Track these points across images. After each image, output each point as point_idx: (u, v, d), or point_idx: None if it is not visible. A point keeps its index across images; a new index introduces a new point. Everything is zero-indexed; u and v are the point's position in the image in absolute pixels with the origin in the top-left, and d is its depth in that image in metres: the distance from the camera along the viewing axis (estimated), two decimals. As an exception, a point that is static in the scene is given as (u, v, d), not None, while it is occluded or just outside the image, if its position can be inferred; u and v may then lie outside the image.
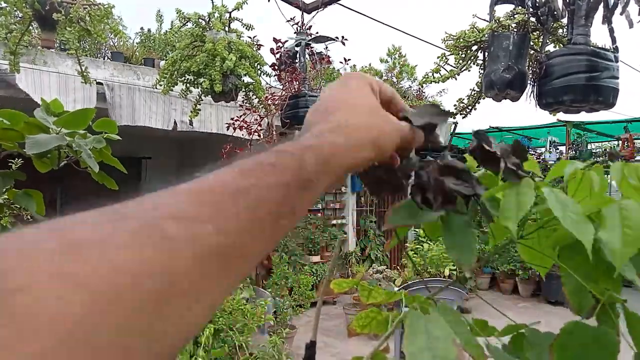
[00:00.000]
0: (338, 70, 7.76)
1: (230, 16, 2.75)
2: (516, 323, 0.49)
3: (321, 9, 3.32)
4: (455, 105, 2.41)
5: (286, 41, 3.28)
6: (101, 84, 4.57)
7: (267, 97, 3.03)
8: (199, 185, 0.29)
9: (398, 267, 6.43)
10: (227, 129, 3.18)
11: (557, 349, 0.41)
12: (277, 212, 0.31)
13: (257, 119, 3.17)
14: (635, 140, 7.37)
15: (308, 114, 0.43)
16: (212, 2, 2.77)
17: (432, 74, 2.28)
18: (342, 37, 3.33)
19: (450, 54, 2.25)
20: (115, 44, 5.92)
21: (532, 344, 0.45)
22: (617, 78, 1.80)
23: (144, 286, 0.21)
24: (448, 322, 0.39)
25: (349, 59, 3.80)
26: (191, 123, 4.55)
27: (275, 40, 3.27)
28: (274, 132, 3.36)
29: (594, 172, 0.47)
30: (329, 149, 0.37)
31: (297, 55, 3.19)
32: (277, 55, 3.27)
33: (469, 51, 2.20)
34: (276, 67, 3.27)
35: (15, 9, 2.32)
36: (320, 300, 0.50)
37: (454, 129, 8.35)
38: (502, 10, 2.11)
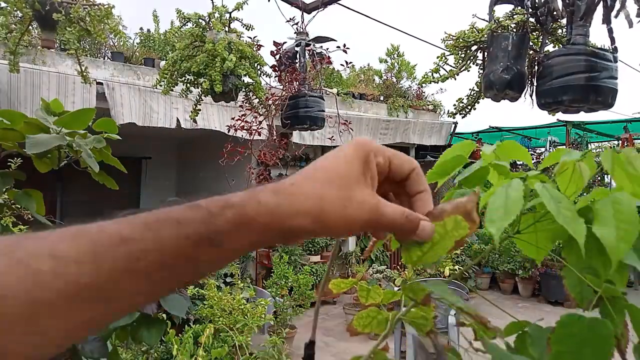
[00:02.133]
0: (338, 70, 7.77)
1: (230, 16, 2.75)
2: (519, 321, 0.49)
3: (321, 9, 3.32)
4: (454, 105, 2.42)
5: (285, 42, 3.29)
6: (101, 83, 4.58)
7: (267, 97, 3.03)
8: (90, 230, 0.31)
9: (398, 267, 6.43)
10: (228, 131, 3.18)
11: (555, 342, 0.41)
12: (167, 264, 0.32)
13: (257, 118, 3.17)
14: (635, 140, 7.37)
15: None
16: (212, 2, 2.77)
17: (432, 74, 2.29)
18: (344, 45, 3.34)
19: (450, 54, 2.25)
20: (115, 44, 5.92)
21: (534, 340, 0.45)
22: (616, 78, 1.80)
23: (6, 307, 0.26)
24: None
25: (349, 62, 3.80)
26: (195, 121, 4.57)
27: (276, 44, 3.27)
28: (274, 132, 3.36)
29: (584, 163, 0.46)
30: (252, 209, 0.35)
31: (297, 56, 3.19)
32: (277, 57, 3.27)
33: (468, 51, 2.20)
34: (276, 69, 3.27)
35: (15, 9, 2.32)
36: (319, 300, 0.50)
37: (454, 129, 8.35)
38: (501, 10, 2.12)
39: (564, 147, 7.94)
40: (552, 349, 0.41)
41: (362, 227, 0.39)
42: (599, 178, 6.89)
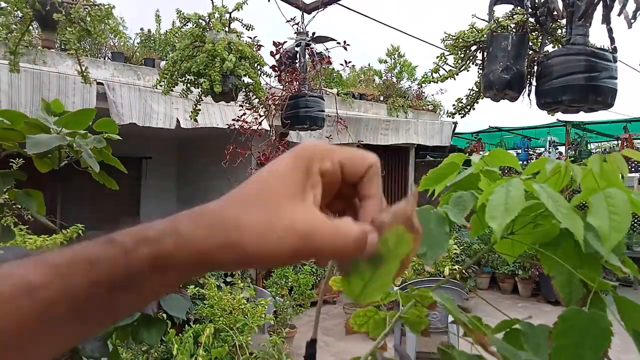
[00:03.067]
0: (338, 70, 7.77)
1: (230, 16, 2.75)
2: (510, 318, 0.50)
3: (321, 9, 3.32)
4: (454, 105, 2.42)
5: (285, 42, 3.29)
6: (102, 84, 4.58)
7: (267, 97, 3.03)
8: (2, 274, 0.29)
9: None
10: (228, 131, 3.19)
11: (557, 336, 0.43)
12: (79, 313, 0.30)
13: (257, 118, 3.17)
14: (635, 140, 7.37)
15: None
16: (212, 3, 2.77)
17: (431, 74, 2.29)
18: (344, 42, 3.34)
19: (450, 54, 2.25)
20: (116, 44, 5.92)
21: (528, 338, 0.46)
22: (616, 78, 1.80)
23: None
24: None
25: (349, 62, 3.80)
26: (195, 120, 4.57)
27: (275, 44, 3.27)
28: (274, 132, 3.36)
29: (575, 166, 0.50)
30: (170, 243, 0.31)
31: (297, 56, 3.19)
32: (277, 57, 3.27)
33: (468, 51, 2.20)
34: (276, 69, 3.27)
35: (15, 9, 2.32)
36: (321, 298, 0.51)
37: (454, 129, 8.35)
38: (501, 10, 2.12)
39: (564, 147, 7.95)
40: (553, 342, 0.43)
41: (293, 258, 0.32)
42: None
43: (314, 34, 3.24)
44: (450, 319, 4.00)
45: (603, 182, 0.48)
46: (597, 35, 2.01)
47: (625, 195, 0.43)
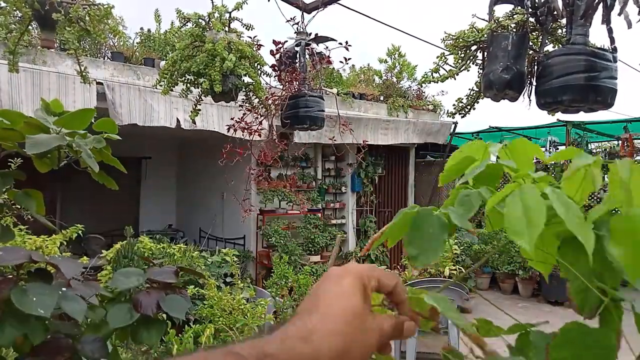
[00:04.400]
0: (338, 70, 7.76)
1: (230, 16, 2.75)
2: (521, 323, 0.49)
3: (321, 9, 3.32)
4: (454, 105, 2.42)
5: (286, 41, 3.28)
6: (101, 84, 4.57)
7: (267, 97, 3.03)
8: None
9: (398, 267, 6.43)
10: (228, 131, 3.18)
11: (555, 348, 0.41)
12: None
13: (257, 119, 3.17)
14: (635, 140, 7.37)
15: (303, 301, 0.46)
16: (212, 2, 2.77)
17: (432, 74, 2.29)
18: (346, 42, 3.34)
19: (450, 54, 2.25)
20: (115, 44, 5.92)
21: (534, 344, 0.45)
22: (616, 78, 1.80)
23: None
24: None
25: (349, 59, 3.80)
26: (194, 122, 4.56)
27: (275, 43, 3.27)
28: (274, 133, 3.36)
29: (596, 169, 0.44)
30: (287, 358, 0.38)
31: (297, 56, 3.19)
32: (277, 56, 3.27)
33: (468, 51, 2.20)
34: (276, 68, 3.27)
35: (14, 8, 2.32)
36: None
37: (454, 129, 8.35)
38: (501, 10, 2.12)
39: (564, 147, 7.95)
40: (551, 354, 0.41)
41: (377, 348, 0.46)
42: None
43: (316, 34, 3.24)
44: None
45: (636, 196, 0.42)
46: (597, 35, 2.01)
47: None
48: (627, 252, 0.38)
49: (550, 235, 0.46)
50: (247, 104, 2.98)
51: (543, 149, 8.95)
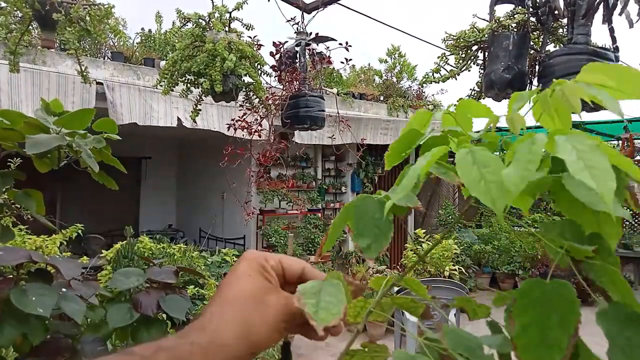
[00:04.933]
0: (338, 70, 7.76)
1: (230, 16, 2.75)
2: (505, 291, 0.47)
3: (321, 9, 3.32)
4: (454, 105, 2.41)
5: (286, 42, 3.28)
6: (101, 84, 4.57)
7: (267, 97, 3.03)
8: None
9: (398, 267, 6.43)
10: (228, 130, 3.18)
11: (518, 314, 0.37)
12: None
13: (257, 119, 3.17)
14: (635, 140, 7.37)
15: None
16: (212, 2, 2.77)
17: (432, 74, 2.28)
18: (347, 42, 3.33)
19: (451, 54, 2.25)
20: (115, 44, 5.92)
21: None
22: (617, 78, 1.79)
23: None
24: None
25: (349, 59, 3.80)
26: (194, 121, 4.57)
27: (275, 44, 3.27)
28: (274, 132, 3.36)
29: (518, 115, 0.43)
30: (185, 350, 0.37)
31: (297, 56, 3.19)
32: (277, 57, 3.27)
33: (469, 51, 2.20)
34: (276, 68, 3.27)
35: (15, 8, 2.32)
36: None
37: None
38: (502, 10, 2.12)
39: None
40: (516, 322, 0.36)
41: (287, 328, 0.43)
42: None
43: (317, 34, 3.24)
44: (451, 318, 3.99)
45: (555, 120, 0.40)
46: (597, 35, 2.01)
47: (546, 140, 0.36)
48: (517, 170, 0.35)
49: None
50: (247, 104, 2.98)
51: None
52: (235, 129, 3.07)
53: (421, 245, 6.23)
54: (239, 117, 3.11)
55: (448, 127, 0.48)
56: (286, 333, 0.43)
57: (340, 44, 3.30)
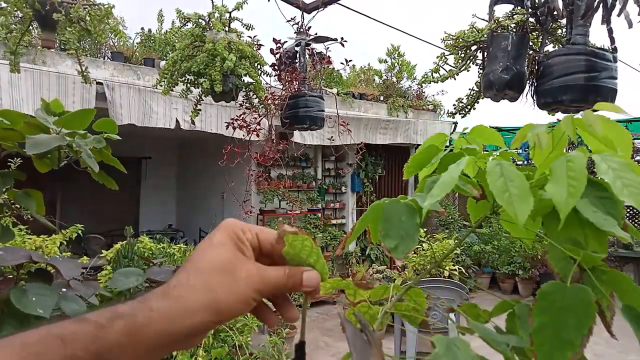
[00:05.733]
0: (338, 70, 7.75)
1: (230, 16, 2.75)
2: (506, 300, 0.49)
3: (321, 9, 3.32)
4: (454, 105, 2.42)
5: (286, 42, 3.28)
6: (101, 83, 4.57)
7: (267, 97, 3.03)
8: None
9: (398, 267, 6.43)
10: (227, 128, 3.18)
11: (537, 313, 0.40)
12: None
13: (256, 118, 3.17)
14: (635, 140, 7.37)
15: None
16: (212, 2, 2.77)
17: (432, 74, 2.29)
18: (342, 38, 3.33)
19: (450, 54, 2.25)
20: (115, 44, 5.92)
21: (522, 320, 0.44)
22: (616, 78, 1.80)
23: None
24: None
25: (350, 60, 3.80)
26: (193, 122, 4.56)
27: (275, 41, 3.27)
28: (274, 132, 3.36)
29: (544, 133, 0.46)
30: (144, 317, 0.35)
31: (297, 55, 3.19)
32: (277, 56, 3.27)
33: (468, 51, 2.20)
34: (276, 67, 3.27)
35: (15, 9, 2.32)
36: (305, 301, 0.50)
37: (454, 129, 8.35)
38: (501, 10, 2.12)
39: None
40: (535, 321, 0.40)
41: (256, 299, 0.41)
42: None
43: (315, 33, 3.24)
44: (451, 319, 3.99)
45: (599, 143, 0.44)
46: (597, 35, 2.01)
47: (585, 157, 0.40)
48: (560, 190, 0.39)
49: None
50: (247, 104, 2.98)
51: (543, 149, 9.00)
52: (234, 128, 3.07)
53: (421, 245, 6.24)
54: (238, 116, 3.11)
55: (465, 146, 0.53)
56: (253, 306, 0.42)
57: (335, 39, 3.30)
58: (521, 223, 0.39)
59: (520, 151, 8.71)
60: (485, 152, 0.52)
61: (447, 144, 0.60)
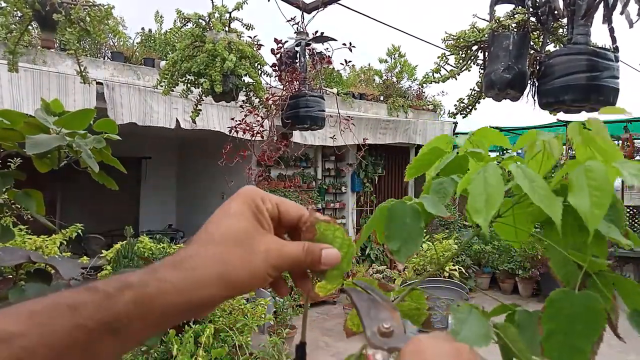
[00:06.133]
0: (338, 70, 7.74)
1: (230, 16, 2.75)
2: (506, 304, 0.48)
3: (321, 9, 3.31)
4: (455, 105, 2.41)
5: (286, 41, 3.28)
6: (101, 84, 4.57)
7: (267, 97, 3.03)
8: None
9: (398, 268, 6.43)
10: (230, 133, 3.18)
11: (546, 320, 0.40)
12: (62, 356, 0.29)
13: (258, 120, 3.17)
14: (635, 140, 7.36)
15: None
16: (212, 2, 2.77)
17: (433, 74, 2.28)
18: (350, 43, 3.33)
19: (451, 54, 2.25)
20: (115, 44, 5.92)
21: (523, 327, 0.44)
22: (618, 78, 1.80)
23: None
24: None
25: (349, 61, 3.80)
26: (194, 121, 4.56)
27: (276, 41, 3.27)
28: (275, 132, 3.36)
29: (554, 140, 0.45)
30: (154, 287, 0.33)
31: (298, 56, 3.18)
32: (278, 56, 3.27)
33: (469, 51, 2.20)
34: (277, 68, 3.26)
35: (15, 9, 2.32)
36: (307, 304, 0.50)
37: (454, 128, 8.35)
38: (502, 10, 2.11)
39: (564, 147, 7.95)
40: (544, 328, 0.40)
41: (272, 275, 0.39)
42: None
43: (316, 32, 3.24)
44: (451, 319, 3.99)
45: (593, 153, 0.44)
46: (597, 35, 2.00)
47: (604, 167, 0.40)
48: (584, 200, 0.38)
49: (526, 213, 0.47)
50: (247, 104, 2.98)
51: (543, 149, 8.97)
52: (237, 132, 3.07)
53: (422, 246, 6.24)
54: (240, 119, 3.11)
55: (470, 149, 0.53)
56: (269, 281, 0.40)
57: (344, 44, 3.30)
58: (558, 220, 0.38)
59: (520, 152, 8.71)
60: (491, 156, 0.51)
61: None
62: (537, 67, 1.96)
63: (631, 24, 1.80)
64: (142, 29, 6.78)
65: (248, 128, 3.08)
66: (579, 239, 0.42)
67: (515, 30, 1.99)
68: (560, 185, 0.43)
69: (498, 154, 0.59)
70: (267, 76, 2.97)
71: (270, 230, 0.41)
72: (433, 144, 0.56)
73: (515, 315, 0.45)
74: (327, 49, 3.36)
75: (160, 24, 6.80)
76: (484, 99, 2.27)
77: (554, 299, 0.40)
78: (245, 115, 3.09)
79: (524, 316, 0.45)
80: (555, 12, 1.89)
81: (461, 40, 2.17)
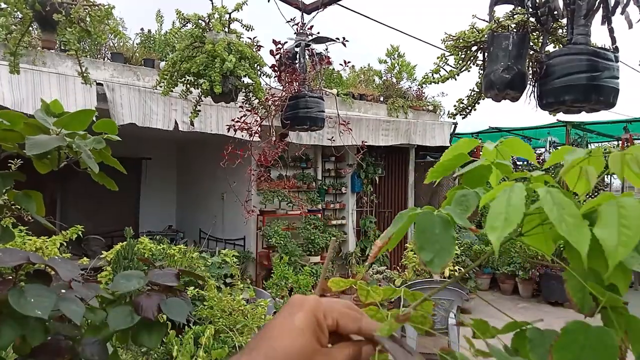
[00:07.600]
0: (338, 71, 7.75)
1: (230, 17, 2.75)
2: (516, 321, 0.48)
3: (321, 9, 3.32)
4: (455, 105, 2.41)
5: (285, 42, 3.28)
6: (101, 84, 4.57)
7: (267, 98, 3.03)
8: None
9: (398, 268, 6.43)
10: (228, 131, 3.18)
11: (558, 349, 0.40)
12: None
13: (257, 120, 3.17)
14: (635, 141, 7.36)
15: (254, 336, 0.44)
16: (212, 3, 2.77)
17: (432, 75, 2.28)
18: (343, 38, 3.33)
19: (450, 55, 2.25)
20: (115, 45, 5.92)
21: (534, 344, 0.44)
22: (618, 78, 1.80)
23: None
24: None
25: (349, 61, 3.80)
26: (192, 124, 4.55)
27: (275, 42, 3.27)
28: (274, 133, 3.36)
29: (591, 164, 0.45)
30: None
31: (297, 56, 3.19)
32: (277, 57, 3.27)
33: (468, 51, 2.20)
34: (276, 69, 3.27)
35: (15, 9, 2.31)
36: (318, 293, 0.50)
37: (454, 129, 8.35)
38: (501, 10, 2.12)
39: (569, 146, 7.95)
40: (554, 356, 0.40)
41: None
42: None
43: (318, 32, 3.24)
44: (451, 320, 3.98)
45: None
46: (597, 35, 2.00)
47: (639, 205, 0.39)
48: (611, 235, 0.38)
49: (551, 232, 0.46)
50: (247, 105, 2.98)
51: (543, 150, 8.92)
52: (235, 130, 3.06)
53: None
54: (239, 117, 3.11)
55: (497, 160, 0.54)
56: None
57: (337, 39, 3.29)
58: (584, 254, 0.38)
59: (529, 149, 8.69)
60: (516, 172, 0.52)
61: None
62: (537, 68, 1.96)
63: (631, 25, 1.80)
64: (142, 29, 6.78)
65: (246, 127, 3.08)
66: (602, 261, 0.42)
67: (514, 30, 1.99)
68: (589, 210, 0.43)
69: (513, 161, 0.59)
70: (266, 77, 2.97)
71: (326, 344, 0.44)
72: (458, 149, 0.56)
73: (527, 334, 0.46)
74: (327, 49, 3.36)
75: (160, 25, 6.80)
76: (483, 99, 2.27)
77: (569, 330, 0.41)
78: (244, 115, 3.09)
79: (535, 334, 0.45)
80: (555, 12, 1.89)
81: (461, 40, 2.17)
